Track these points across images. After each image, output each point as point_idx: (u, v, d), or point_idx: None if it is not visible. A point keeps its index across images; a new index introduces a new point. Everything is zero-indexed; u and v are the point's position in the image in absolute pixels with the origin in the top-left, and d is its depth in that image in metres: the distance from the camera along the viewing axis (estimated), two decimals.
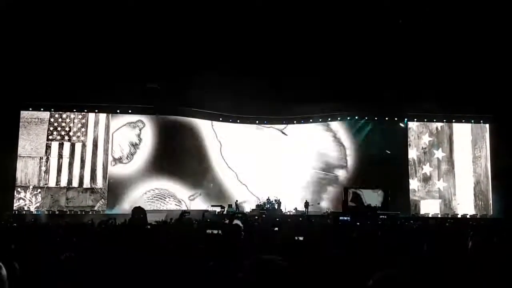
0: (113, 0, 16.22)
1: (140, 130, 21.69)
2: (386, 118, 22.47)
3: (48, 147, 20.90)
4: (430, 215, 21.37)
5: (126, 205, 20.00)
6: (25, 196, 20.37)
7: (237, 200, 21.38)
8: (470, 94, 19.66)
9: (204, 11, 16.68)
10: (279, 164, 22.20)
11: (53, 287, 3.59)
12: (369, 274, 1.92)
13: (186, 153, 21.48)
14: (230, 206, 20.52)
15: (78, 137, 21.22)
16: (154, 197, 21.21)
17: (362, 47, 18.05)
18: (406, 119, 22.45)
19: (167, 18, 16.91)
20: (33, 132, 20.86)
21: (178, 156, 21.28)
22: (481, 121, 22.61)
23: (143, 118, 21.76)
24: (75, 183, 20.86)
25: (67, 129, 21.17)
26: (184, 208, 20.36)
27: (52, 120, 21.12)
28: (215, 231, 6.08)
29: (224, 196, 21.88)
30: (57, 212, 19.98)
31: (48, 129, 21.01)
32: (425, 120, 22.77)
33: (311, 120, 22.99)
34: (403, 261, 3.98)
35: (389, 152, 21.60)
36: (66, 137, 21.14)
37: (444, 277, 3.49)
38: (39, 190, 20.51)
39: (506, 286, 3.06)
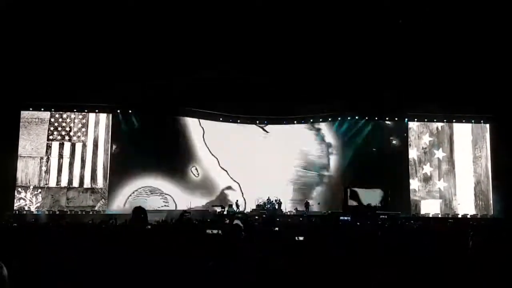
0: (113, 0, 16.22)
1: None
2: (387, 118, 22.49)
3: (48, 147, 20.90)
4: (430, 215, 21.37)
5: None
6: (25, 196, 20.38)
7: (237, 200, 21.40)
8: (470, 94, 19.64)
9: (204, 11, 16.67)
10: (278, 164, 22.22)
11: (53, 287, 3.59)
12: (369, 274, 1.92)
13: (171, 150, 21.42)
14: (230, 206, 20.54)
15: (79, 137, 21.22)
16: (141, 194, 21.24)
17: (362, 47, 18.03)
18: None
19: (167, 18, 16.90)
20: (34, 132, 20.86)
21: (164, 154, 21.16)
22: (482, 121, 22.59)
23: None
24: (75, 183, 20.86)
25: (67, 129, 21.17)
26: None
27: (52, 120, 21.12)
28: (215, 231, 6.08)
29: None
30: (57, 212, 19.97)
31: (49, 129, 21.01)
32: (426, 120, 22.76)
33: (311, 120, 22.98)
34: (403, 261, 3.98)
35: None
36: (67, 137, 21.14)
37: (444, 277, 3.49)
38: (39, 190, 20.51)
39: (506, 286, 3.06)
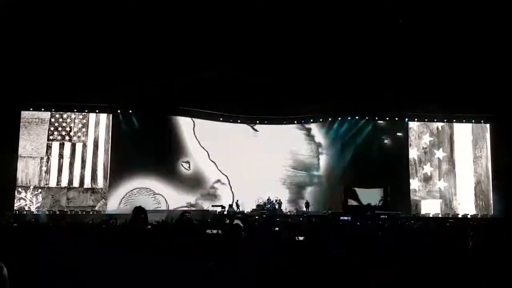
0: (113, 0, 16.23)
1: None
2: (387, 118, 22.49)
3: (48, 147, 20.91)
4: (431, 215, 21.36)
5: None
6: (25, 196, 20.39)
7: (237, 200, 21.39)
8: (470, 94, 19.65)
9: (204, 11, 16.67)
10: (278, 164, 22.23)
11: (53, 287, 3.59)
12: (369, 274, 1.92)
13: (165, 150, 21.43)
14: (230, 206, 20.54)
15: (79, 137, 21.23)
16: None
17: (362, 47, 18.04)
18: (385, 140, 22.46)
19: (167, 18, 16.90)
20: (34, 132, 20.87)
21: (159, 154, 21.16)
22: (482, 121, 22.60)
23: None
24: (75, 183, 20.87)
25: (67, 129, 21.18)
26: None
27: (52, 120, 21.13)
28: (215, 231, 6.08)
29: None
30: (57, 212, 19.96)
31: (49, 129, 21.02)
32: (426, 120, 22.77)
33: (311, 120, 22.98)
34: (403, 261, 3.98)
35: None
36: (67, 137, 21.14)
37: (444, 277, 3.49)
38: (39, 190, 20.52)
39: (506, 286, 3.06)
